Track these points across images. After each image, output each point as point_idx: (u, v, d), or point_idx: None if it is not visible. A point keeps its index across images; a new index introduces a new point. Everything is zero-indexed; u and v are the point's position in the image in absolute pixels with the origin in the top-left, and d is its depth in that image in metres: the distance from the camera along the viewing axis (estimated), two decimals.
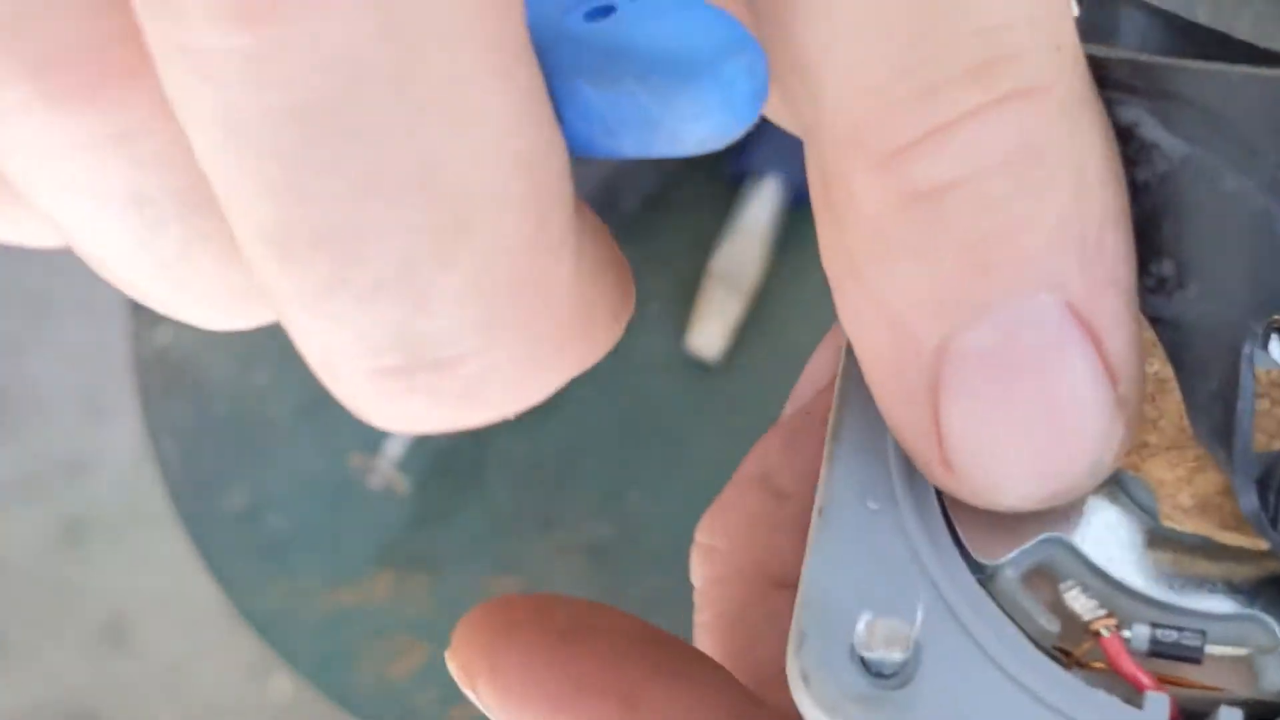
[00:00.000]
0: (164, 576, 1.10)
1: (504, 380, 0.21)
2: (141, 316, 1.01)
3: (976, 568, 0.29)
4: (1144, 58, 0.24)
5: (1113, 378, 0.24)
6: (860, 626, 0.27)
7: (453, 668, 0.32)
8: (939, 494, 0.29)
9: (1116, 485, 0.31)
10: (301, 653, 0.95)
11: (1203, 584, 0.30)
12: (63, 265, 1.36)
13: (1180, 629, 0.29)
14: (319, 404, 1.05)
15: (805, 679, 0.28)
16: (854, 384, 0.30)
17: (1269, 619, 0.29)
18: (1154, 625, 0.29)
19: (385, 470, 0.94)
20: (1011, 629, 0.29)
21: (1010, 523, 0.29)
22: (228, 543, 0.99)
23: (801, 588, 0.29)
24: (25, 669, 1.30)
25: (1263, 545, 0.28)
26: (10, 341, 1.41)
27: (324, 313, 0.20)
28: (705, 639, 0.33)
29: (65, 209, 0.22)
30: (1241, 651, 0.29)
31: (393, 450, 0.93)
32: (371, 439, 0.98)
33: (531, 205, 0.20)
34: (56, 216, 0.22)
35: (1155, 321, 0.27)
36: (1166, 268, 0.26)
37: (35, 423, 1.32)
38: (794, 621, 0.28)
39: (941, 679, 0.28)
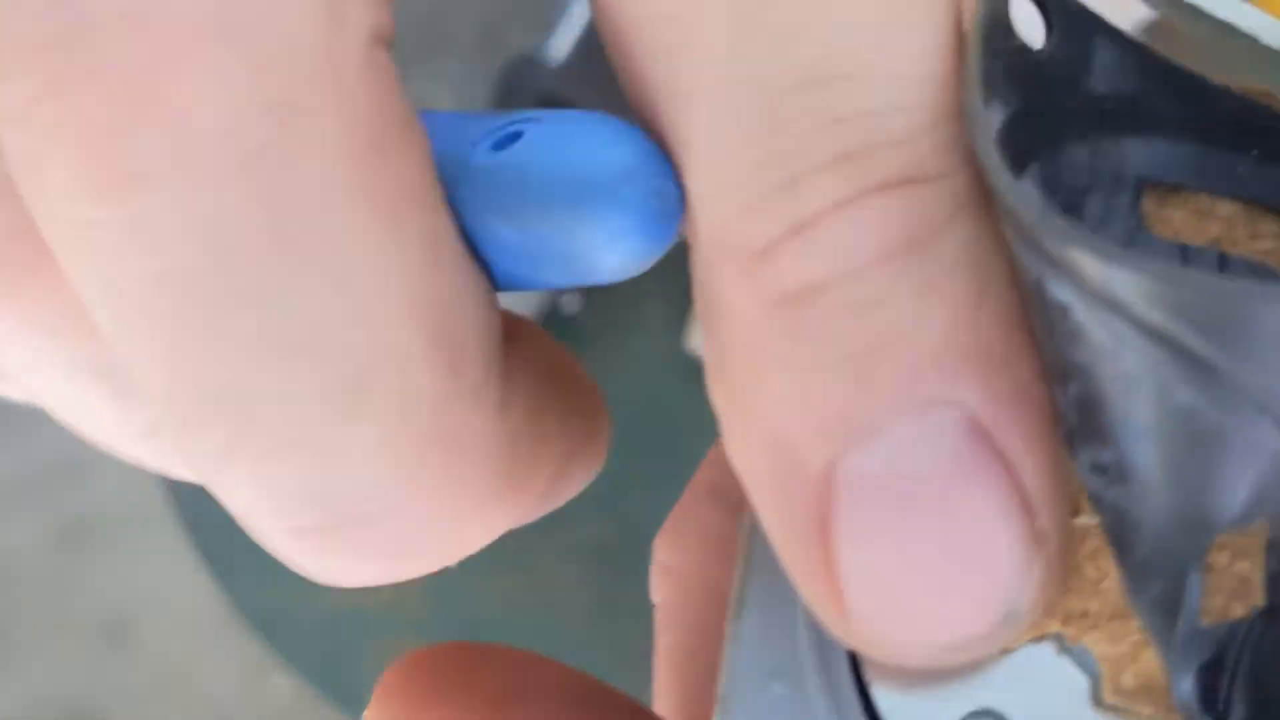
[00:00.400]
0: (164, 576, 1.10)
1: (431, 535, 0.21)
2: None
3: None
4: (1045, 218, 0.19)
5: (1028, 509, 0.21)
6: None
7: None
8: (856, 666, 0.26)
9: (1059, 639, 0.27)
10: (301, 653, 0.95)
11: None
12: None
13: None
14: None
15: None
16: (759, 548, 0.26)
17: None
18: None
19: None
20: None
21: (935, 692, 0.26)
22: (228, 543, 0.99)
23: None
24: (25, 669, 1.30)
25: None
26: None
27: (231, 474, 0.20)
28: (665, 665, 0.31)
29: (37, 384, 0.22)
30: None
31: None
32: None
33: (440, 355, 0.19)
34: (34, 390, 0.23)
35: (1095, 498, 0.23)
36: (1105, 458, 0.22)
37: (35, 423, 1.32)
38: None
39: None
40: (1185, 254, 0.25)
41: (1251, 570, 0.25)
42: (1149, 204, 0.26)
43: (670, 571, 0.31)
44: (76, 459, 1.24)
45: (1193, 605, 0.23)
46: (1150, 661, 0.26)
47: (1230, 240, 0.26)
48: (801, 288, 0.19)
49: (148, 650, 1.29)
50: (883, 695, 0.26)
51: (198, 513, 0.99)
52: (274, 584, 0.93)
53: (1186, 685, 0.24)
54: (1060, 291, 0.20)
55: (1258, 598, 0.24)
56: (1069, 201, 0.24)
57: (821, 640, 0.26)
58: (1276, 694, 0.23)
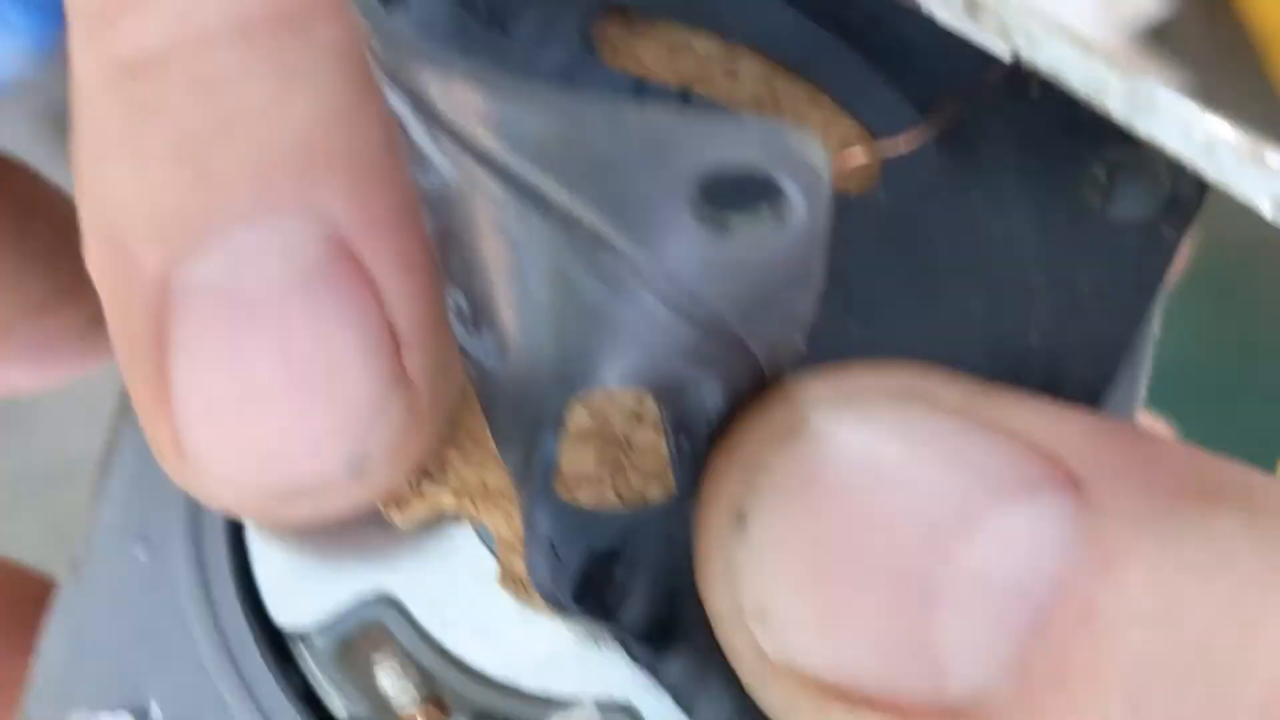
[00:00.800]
0: None
1: None
2: None
3: (279, 636, 0.23)
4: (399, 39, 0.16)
5: (390, 344, 0.18)
6: None
7: None
8: (235, 533, 0.23)
9: (467, 523, 0.24)
10: None
11: (567, 674, 0.23)
12: None
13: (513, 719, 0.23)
14: None
15: None
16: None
17: (636, 708, 0.23)
18: (477, 714, 0.23)
19: None
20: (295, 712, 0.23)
21: (323, 574, 0.23)
22: None
23: (32, 667, 0.23)
24: None
25: None
26: None
27: None
28: None
29: None
30: None
31: None
32: None
33: None
34: None
35: (462, 351, 0.20)
36: (460, 301, 0.19)
37: (35, 423, 1.32)
38: (20, 709, 0.23)
39: None
40: (640, 89, 0.22)
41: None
42: (616, 32, 0.23)
43: None
44: (76, 459, 1.23)
45: (547, 469, 0.20)
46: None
47: (703, 80, 0.23)
48: (141, 56, 0.17)
49: None
50: (263, 572, 0.23)
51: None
52: None
53: (541, 568, 0.21)
54: (397, 103, 0.17)
55: (672, 485, 0.22)
56: (494, 15, 0.22)
57: (195, 506, 0.23)
58: (676, 583, 0.21)
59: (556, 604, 0.21)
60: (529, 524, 0.21)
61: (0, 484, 1.20)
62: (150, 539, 0.23)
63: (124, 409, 0.24)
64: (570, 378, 0.19)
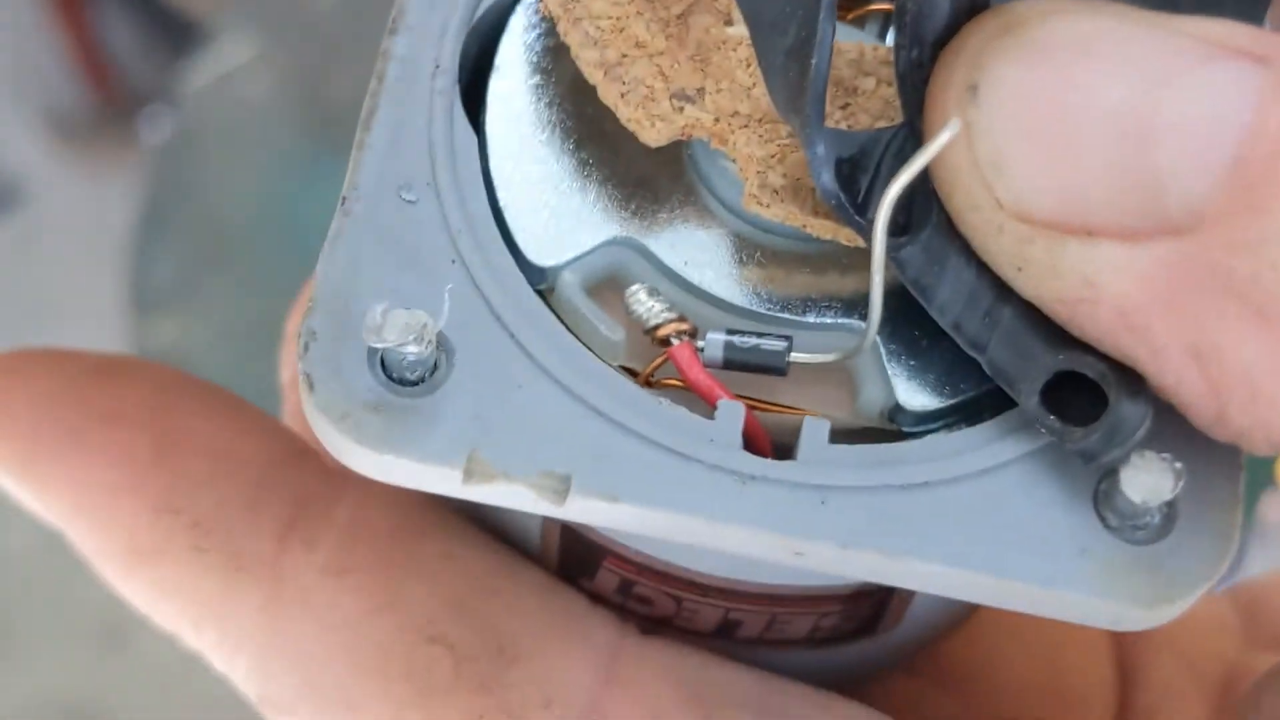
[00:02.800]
0: None
1: None
2: (141, 315, 1.01)
3: (533, 273, 0.26)
4: None
5: None
6: (373, 315, 0.24)
7: None
8: (491, 187, 0.26)
9: (697, 181, 0.27)
10: None
11: (799, 299, 0.27)
12: (63, 265, 1.36)
13: (761, 334, 0.25)
14: None
15: (310, 384, 0.24)
16: (395, 64, 0.27)
17: (864, 325, 0.26)
18: (730, 332, 0.25)
19: None
20: (567, 337, 0.25)
21: (572, 223, 0.26)
22: None
23: (313, 286, 0.25)
24: (25, 669, 1.30)
25: (857, 240, 0.26)
26: (10, 341, 1.41)
27: None
28: (293, 385, 0.31)
29: None
30: (829, 357, 0.25)
31: None
32: None
33: None
34: None
35: None
36: None
37: None
38: (302, 323, 0.24)
39: (476, 387, 0.24)
40: None
41: (895, 94, 0.26)
42: None
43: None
44: None
45: (823, 59, 0.23)
46: (801, 164, 0.26)
47: None
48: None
49: (148, 650, 1.29)
50: (516, 219, 0.26)
51: None
52: None
53: (827, 176, 0.24)
54: None
55: (898, 116, 0.26)
56: None
57: (455, 158, 0.26)
58: (910, 192, 0.24)
59: (839, 205, 0.25)
60: (810, 145, 0.24)
61: (0, 484, 1.20)
62: (413, 184, 0.26)
63: (380, 69, 0.27)
64: None
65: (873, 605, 0.28)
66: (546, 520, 0.27)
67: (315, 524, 0.26)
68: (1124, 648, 0.33)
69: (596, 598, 0.27)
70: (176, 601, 0.27)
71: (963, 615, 0.31)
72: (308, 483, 0.27)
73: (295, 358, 0.31)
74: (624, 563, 0.27)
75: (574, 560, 0.27)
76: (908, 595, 0.27)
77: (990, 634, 0.33)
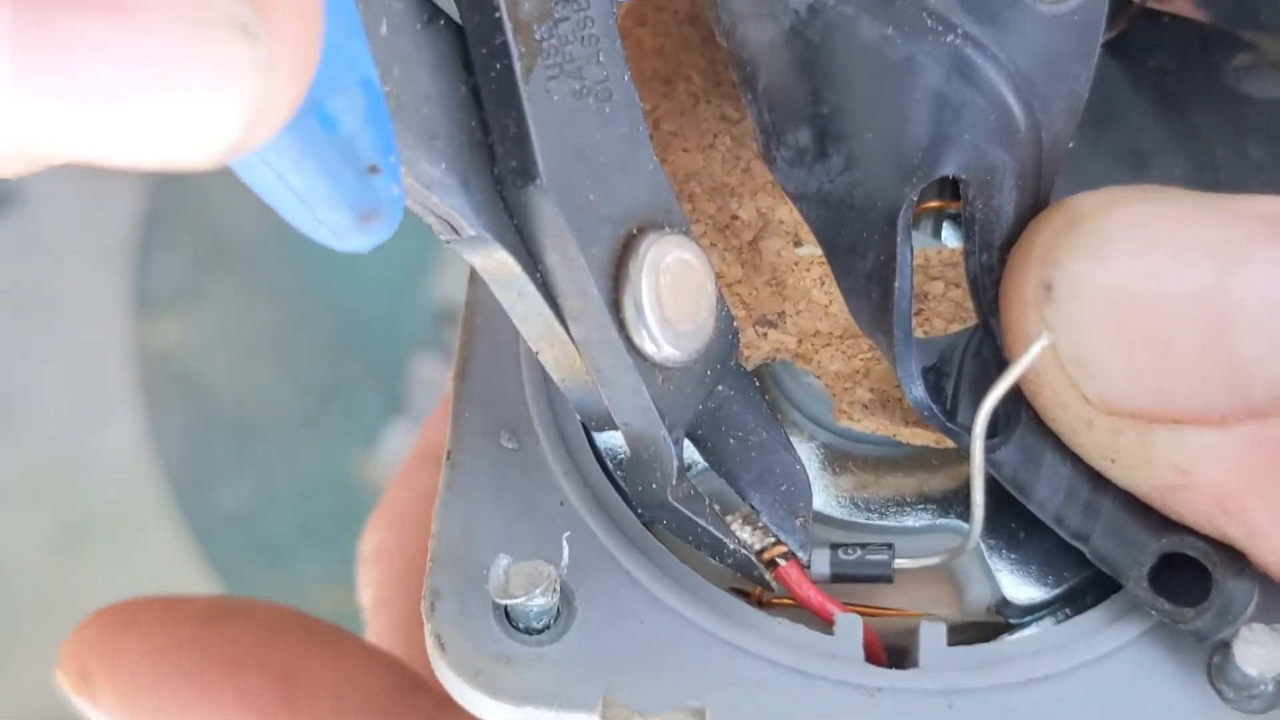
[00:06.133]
0: (164, 576, 1.10)
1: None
2: (142, 316, 1.01)
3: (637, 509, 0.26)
4: None
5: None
6: (496, 571, 0.24)
7: (63, 678, 0.29)
8: (588, 431, 0.27)
9: (781, 398, 0.28)
10: None
11: (892, 501, 0.28)
12: (63, 265, 1.36)
13: (864, 545, 0.26)
14: (319, 404, 1.04)
15: (441, 644, 0.24)
16: (480, 318, 0.28)
17: (960, 523, 0.27)
18: (833, 546, 0.26)
19: (385, 468, 0.94)
20: (681, 568, 0.26)
21: None
22: (228, 543, 0.99)
23: (431, 544, 0.25)
24: (25, 669, 1.30)
25: (946, 442, 0.26)
26: (10, 341, 1.41)
27: None
28: (377, 598, 0.32)
29: None
30: (933, 561, 0.26)
31: (392, 448, 0.93)
32: (371, 438, 0.98)
33: None
34: None
35: (799, 199, 0.25)
36: (804, 137, 0.24)
37: (35, 423, 1.32)
38: (425, 582, 0.25)
39: (600, 628, 0.25)
40: None
41: (964, 295, 0.27)
42: None
43: (380, 553, 0.32)
44: (76, 459, 1.24)
45: (905, 280, 0.24)
46: (885, 377, 0.27)
47: None
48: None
49: None
50: (613, 454, 0.27)
51: (198, 513, 0.99)
52: (274, 583, 0.93)
53: (917, 388, 0.25)
54: None
55: (971, 315, 0.26)
56: None
57: (549, 404, 0.27)
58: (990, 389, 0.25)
59: (931, 415, 0.25)
60: (900, 363, 0.25)
61: (0, 484, 1.20)
62: (513, 431, 0.27)
63: (468, 320, 0.28)
64: (912, 170, 0.23)
65: None
66: None
67: None
68: None
69: None
70: None
71: None
72: (427, 709, 0.27)
73: (374, 581, 0.31)
74: None
75: None
76: None
77: None
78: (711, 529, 0.25)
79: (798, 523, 0.25)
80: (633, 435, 0.24)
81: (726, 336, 0.25)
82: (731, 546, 0.25)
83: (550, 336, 0.24)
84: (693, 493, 0.25)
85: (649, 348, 0.23)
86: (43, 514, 1.27)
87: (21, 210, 1.48)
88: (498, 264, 0.23)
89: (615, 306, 0.23)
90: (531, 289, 0.23)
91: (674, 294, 0.24)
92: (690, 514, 0.25)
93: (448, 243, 0.23)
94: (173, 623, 0.28)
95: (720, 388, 0.25)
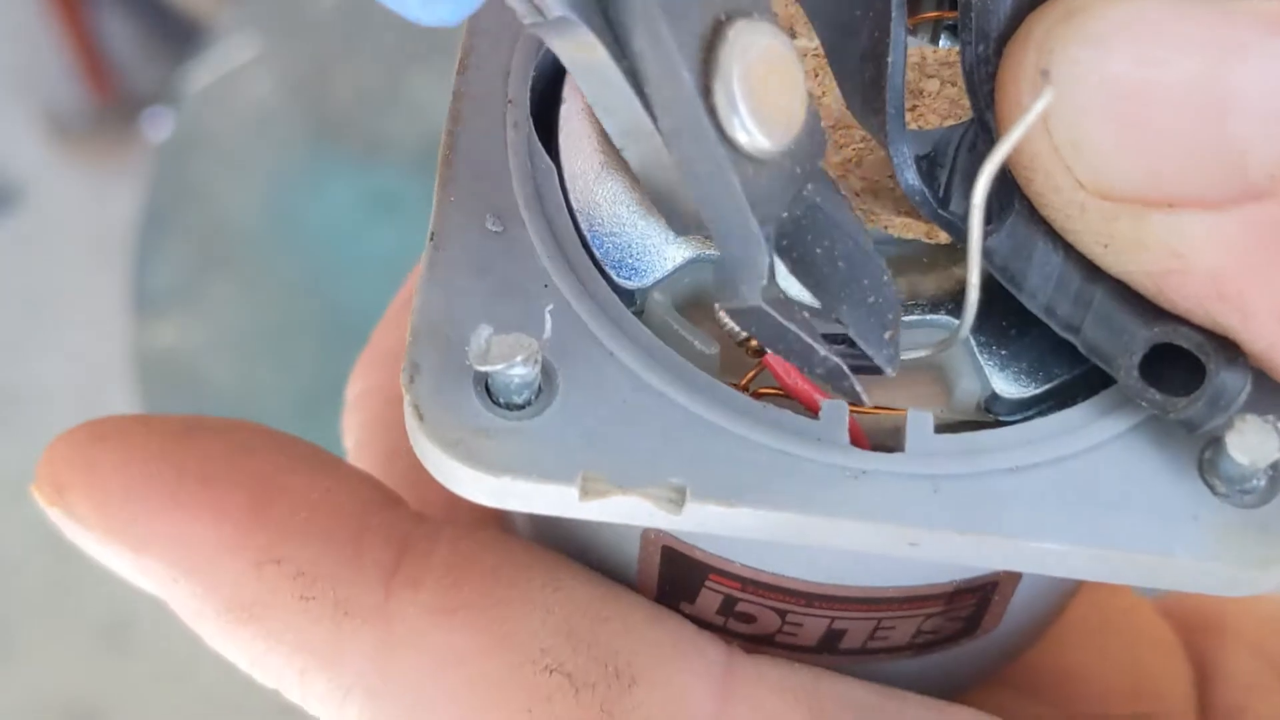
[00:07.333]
0: None
1: None
2: (141, 316, 1.01)
3: (623, 295, 0.26)
4: None
5: None
6: (478, 340, 0.24)
7: (39, 492, 0.29)
8: (572, 213, 0.27)
9: None
10: None
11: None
12: (63, 265, 1.36)
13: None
14: (319, 404, 1.04)
15: (419, 414, 0.24)
16: (467, 105, 0.28)
17: (951, 319, 0.26)
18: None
19: None
20: (667, 352, 0.25)
21: (655, 244, 0.27)
22: None
23: (412, 319, 0.25)
24: (26, 668, 1.30)
25: (939, 235, 0.26)
26: (10, 341, 1.41)
27: None
28: (363, 429, 0.32)
29: None
30: (923, 353, 0.26)
31: None
32: None
33: None
34: None
35: None
36: None
37: (35, 423, 1.32)
38: (405, 357, 0.25)
39: (582, 406, 0.25)
40: None
41: (959, 93, 0.27)
42: None
43: (364, 397, 0.32)
44: None
45: (899, 55, 0.24)
46: (877, 167, 0.27)
47: None
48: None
49: (148, 650, 1.29)
50: (600, 245, 0.27)
51: None
52: None
53: (911, 175, 0.25)
54: None
55: (966, 113, 0.26)
56: None
57: (536, 189, 0.27)
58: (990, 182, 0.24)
59: (923, 201, 0.25)
60: (893, 144, 0.25)
61: (0, 484, 1.20)
62: (497, 215, 0.26)
63: (455, 110, 0.28)
64: None
65: (974, 603, 0.28)
66: (645, 545, 0.27)
67: (418, 566, 0.27)
68: (1198, 648, 0.34)
69: (697, 622, 0.27)
70: (282, 653, 0.27)
71: (1054, 615, 0.32)
72: (405, 527, 0.27)
73: (357, 424, 0.31)
74: (728, 579, 0.27)
75: (674, 584, 0.28)
76: (1008, 591, 0.28)
77: (1071, 643, 0.33)
78: (802, 334, 0.24)
79: (886, 336, 0.25)
80: (722, 233, 0.24)
81: (815, 133, 0.24)
82: (822, 354, 0.24)
83: (637, 131, 0.24)
84: (782, 296, 0.24)
85: (741, 137, 0.23)
86: (43, 513, 1.27)
87: (22, 210, 1.48)
88: (584, 49, 0.22)
89: (706, 93, 0.23)
90: (619, 77, 0.23)
91: (766, 81, 0.23)
92: (780, 317, 0.24)
93: (530, 27, 0.23)
94: (146, 437, 0.28)
95: (808, 189, 0.25)
